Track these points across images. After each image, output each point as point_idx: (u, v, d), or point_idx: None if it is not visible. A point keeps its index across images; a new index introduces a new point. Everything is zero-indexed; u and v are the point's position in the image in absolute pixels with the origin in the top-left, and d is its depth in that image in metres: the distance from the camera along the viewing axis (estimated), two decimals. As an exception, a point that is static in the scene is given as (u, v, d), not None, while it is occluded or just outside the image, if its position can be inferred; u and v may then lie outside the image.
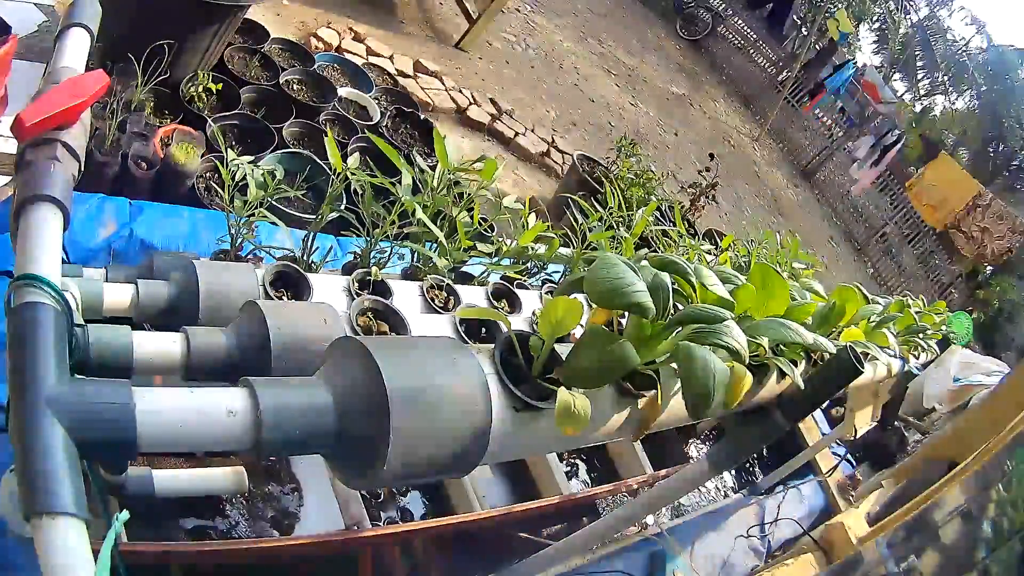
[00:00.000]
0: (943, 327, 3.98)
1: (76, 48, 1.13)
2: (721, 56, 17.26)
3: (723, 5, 17.84)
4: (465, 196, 2.42)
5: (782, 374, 1.61)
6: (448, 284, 2.10)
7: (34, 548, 0.65)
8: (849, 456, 4.45)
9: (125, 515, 0.76)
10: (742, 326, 1.29)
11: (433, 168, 2.23)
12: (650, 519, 3.22)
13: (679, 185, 8.91)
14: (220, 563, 1.86)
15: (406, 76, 6.75)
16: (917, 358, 3.38)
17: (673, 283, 1.28)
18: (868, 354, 2.09)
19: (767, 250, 3.96)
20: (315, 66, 5.07)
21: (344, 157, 2.02)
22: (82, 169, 1.02)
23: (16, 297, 0.81)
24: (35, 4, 3.83)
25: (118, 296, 1.44)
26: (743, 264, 3.35)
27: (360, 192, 2.16)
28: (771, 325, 1.48)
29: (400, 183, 2.08)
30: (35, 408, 0.71)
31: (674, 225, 3.94)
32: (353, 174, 2.05)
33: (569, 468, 3.49)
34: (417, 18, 8.03)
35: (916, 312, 3.21)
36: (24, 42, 3.20)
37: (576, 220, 2.83)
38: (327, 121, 4.64)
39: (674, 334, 1.23)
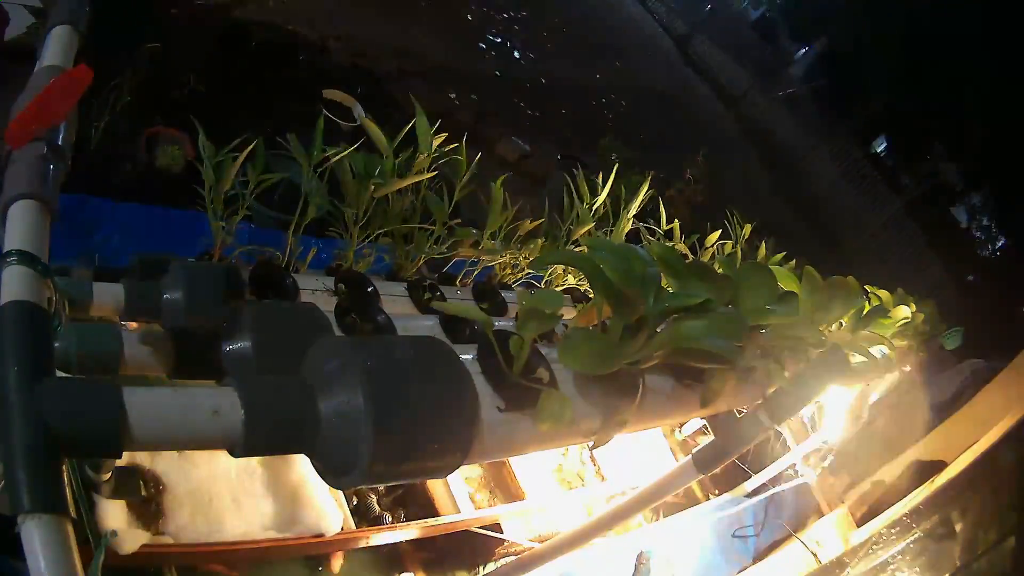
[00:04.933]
0: (926, 327, 3.96)
1: (64, 46, 1.13)
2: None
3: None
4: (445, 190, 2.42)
5: (766, 373, 1.61)
6: (432, 283, 2.09)
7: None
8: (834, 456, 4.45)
9: (115, 532, 0.77)
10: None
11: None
12: (636, 519, 3.23)
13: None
14: (212, 562, 1.86)
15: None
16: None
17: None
18: (855, 352, 2.08)
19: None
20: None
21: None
22: (69, 168, 1.02)
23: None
24: (24, 6, 3.81)
25: (103, 296, 1.43)
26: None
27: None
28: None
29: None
30: (19, 407, 0.71)
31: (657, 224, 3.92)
32: (335, 171, 2.03)
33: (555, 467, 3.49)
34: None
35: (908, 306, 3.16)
36: (11, 44, 3.19)
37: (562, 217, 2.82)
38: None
39: (660, 327, 1.24)
